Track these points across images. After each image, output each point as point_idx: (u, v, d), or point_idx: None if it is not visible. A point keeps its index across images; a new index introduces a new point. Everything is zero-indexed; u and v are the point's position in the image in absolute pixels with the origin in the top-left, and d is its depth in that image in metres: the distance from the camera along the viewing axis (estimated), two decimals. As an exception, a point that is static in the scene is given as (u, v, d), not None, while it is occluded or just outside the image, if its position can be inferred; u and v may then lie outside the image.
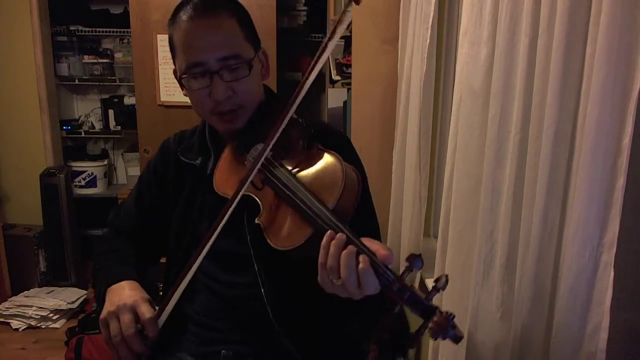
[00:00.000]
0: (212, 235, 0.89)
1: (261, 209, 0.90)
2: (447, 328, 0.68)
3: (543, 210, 0.92)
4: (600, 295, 0.81)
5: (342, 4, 2.71)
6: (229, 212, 0.89)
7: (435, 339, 0.69)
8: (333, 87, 2.72)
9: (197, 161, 1.09)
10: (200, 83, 0.97)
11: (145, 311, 0.93)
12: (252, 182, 0.91)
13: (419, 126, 1.74)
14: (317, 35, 3.16)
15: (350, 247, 0.73)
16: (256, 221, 0.88)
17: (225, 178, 0.99)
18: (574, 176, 0.87)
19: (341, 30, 0.84)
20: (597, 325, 0.81)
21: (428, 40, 1.63)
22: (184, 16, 0.97)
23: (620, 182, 0.77)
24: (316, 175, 0.87)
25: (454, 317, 0.69)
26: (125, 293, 0.98)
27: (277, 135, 0.88)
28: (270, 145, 0.89)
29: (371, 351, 1.96)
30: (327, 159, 0.88)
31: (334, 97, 2.69)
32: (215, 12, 0.96)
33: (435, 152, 1.94)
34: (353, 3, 0.82)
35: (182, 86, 1.04)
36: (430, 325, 0.69)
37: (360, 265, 0.72)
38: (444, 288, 0.72)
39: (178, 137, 1.19)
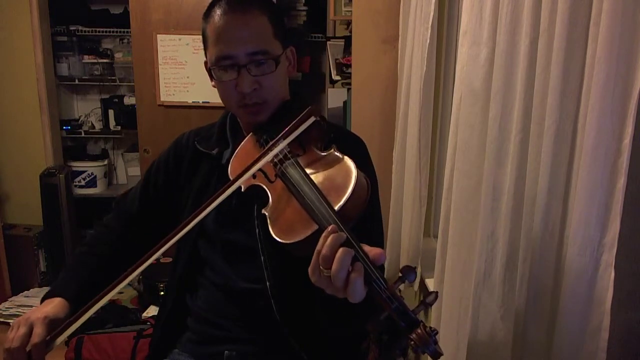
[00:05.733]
0: (202, 211, 0.91)
1: (270, 200, 0.92)
2: (428, 342, 0.69)
3: (544, 211, 0.92)
4: (601, 295, 0.81)
5: (342, 4, 2.71)
6: (228, 192, 0.91)
7: (415, 352, 0.69)
8: (333, 87, 2.72)
9: (213, 151, 1.12)
10: (229, 75, 1.01)
11: (37, 334, 0.94)
12: (265, 174, 0.94)
13: (419, 126, 1.74)
14: (317, 35, 3.16)
15: (347, 248, 0.74)
16: (262, 211, 0.90)
17: (241, 166, 1.01)
18: (575, 176, 0.87)
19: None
20: (598, 325, 0.81)
21: (428, 40, 1.63)
22: (218, 11, 1.01)
23: (621, 182, 0.77)
24: (328, 176, 0.89)
25: (437, 332, 0.70)
26: (43, 308, 1.00)
27: (290, 131, 0.92)
28: (281, 138, 0.93)
29: (371, 351, 1.96)
30: (341, 162, 0.90)
31: (334, 97, 2.69)
32: (248, 9, 1.01)
33: (435, 152, 1.94)
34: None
35: (211, 77, 1.08)
36: (412, 337, 0.69)
37: (352, 275, 0.72)
38: (431, 304, 0.72)
39: (195, 131, 1.22)
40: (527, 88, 0.96)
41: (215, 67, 1.02)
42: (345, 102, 2.58)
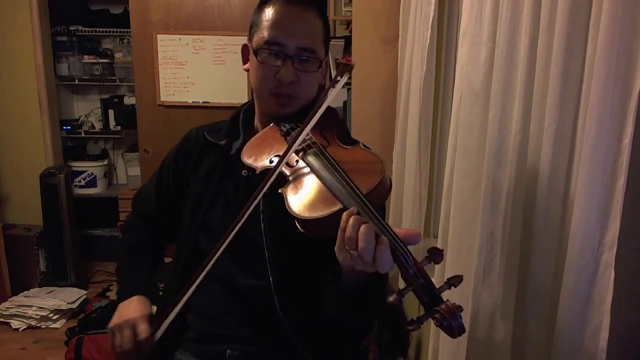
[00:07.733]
0: (246, 210, 0.92)
1: (289, 181, 0.93)
2: (456, 315, 0.70)
3: (543, 210, 0.92)
4: (601, 295, 0.81)
5: (342, 4, 2.71)
6: (276, 172, 0.92)
7: (439, 325, 0.71)
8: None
9: (222, 142, 1.14)
10: (273, 61, 1.04)
11: (143, 330, 1.02)
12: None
13: (419, 126, 1.74)
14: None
15: (369, 224, 0.76)
16: (279, 191, 0.91)
17: (256, 151, 1.03)
18: (575, 176, 0.87)
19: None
20: (598, 325, 0.81)
21: (428, 40, 1.63)
22: (280, 0, 1.05)
23: (621, 182, 0.77)
24: (356, 164, 0.92)
25: (462, 309, 0.72)
26: (131, 308, 1.08)
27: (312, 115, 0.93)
28: (307, 123, 0.94)
29: (371, 351, 1.96)
30: (370, 155, 0.95)
31: (334, 97, 2.68)
32: (309, 7, 1.06)
33: (435, 152, 1.94)
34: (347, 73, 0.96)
35: (246, 60, 1.13)
36: (439, 309, 0.71)
37: (379, 248, 0.75)
38: (455, 285, 0.75)
39: (204, 125, 1.24)
40: (527, 88, 0.96)
41: (262, 50, 1.05)
42: (345, 102, 2.58)
